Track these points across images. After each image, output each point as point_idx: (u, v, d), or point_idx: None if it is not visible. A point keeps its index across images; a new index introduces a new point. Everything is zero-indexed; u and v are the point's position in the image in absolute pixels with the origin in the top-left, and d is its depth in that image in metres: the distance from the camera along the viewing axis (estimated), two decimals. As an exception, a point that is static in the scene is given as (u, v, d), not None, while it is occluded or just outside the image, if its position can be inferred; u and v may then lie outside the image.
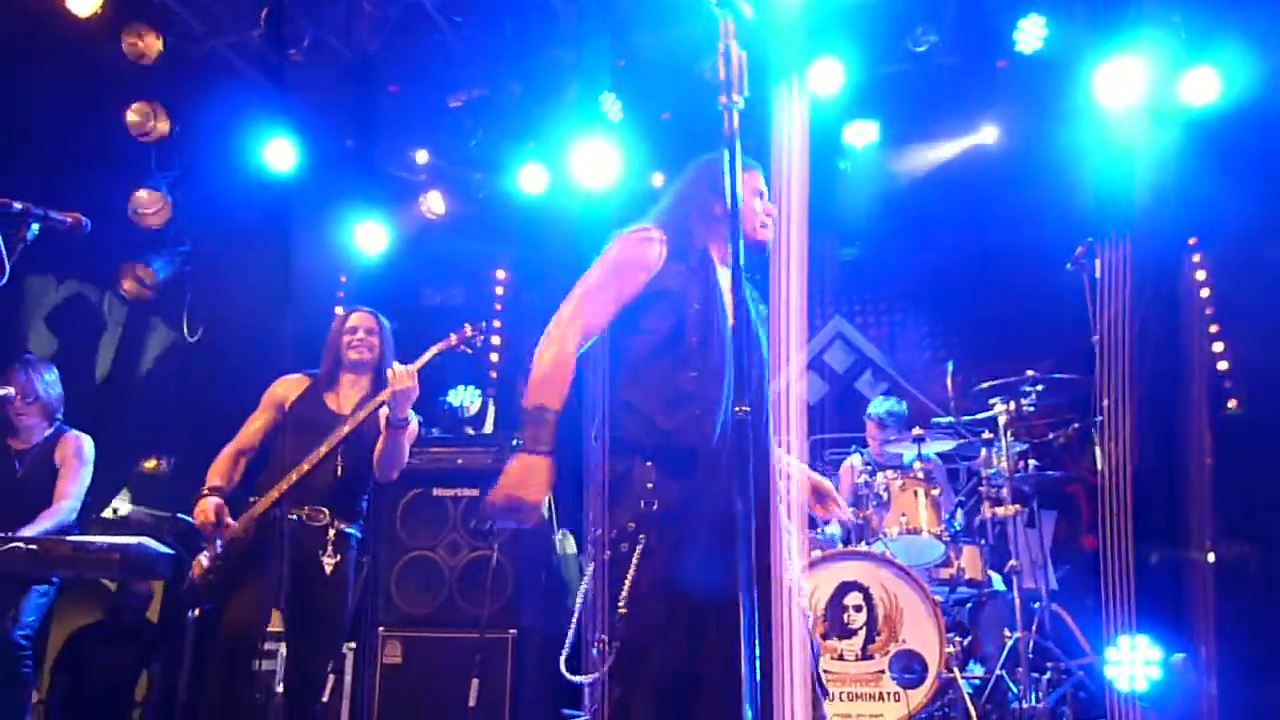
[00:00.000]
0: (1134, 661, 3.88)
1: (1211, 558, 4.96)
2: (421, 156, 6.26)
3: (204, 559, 3.63)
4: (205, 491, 3.63)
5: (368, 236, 6.25)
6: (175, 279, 5.91)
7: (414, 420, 3.74)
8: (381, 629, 5.01)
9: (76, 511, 4.24)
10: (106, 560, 3.80)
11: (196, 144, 5.86)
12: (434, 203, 6.30)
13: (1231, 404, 5.46)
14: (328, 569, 3.59)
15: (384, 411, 3.66)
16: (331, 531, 3.64)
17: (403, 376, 3.58)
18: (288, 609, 3.64)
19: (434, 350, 3.80)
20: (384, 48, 5.58)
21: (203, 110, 5.72)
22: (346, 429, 3.62)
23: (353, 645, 4.98)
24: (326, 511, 3.66)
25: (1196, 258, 5.71)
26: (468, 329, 3.89)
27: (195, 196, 5.99)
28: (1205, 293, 5.66)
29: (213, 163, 5.92)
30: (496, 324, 6.78)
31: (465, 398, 6.08)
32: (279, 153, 5.75)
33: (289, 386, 3.88)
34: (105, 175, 5.55)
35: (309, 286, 6.35)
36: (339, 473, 3.69)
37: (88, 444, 4.38)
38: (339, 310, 4.09)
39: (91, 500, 4.52)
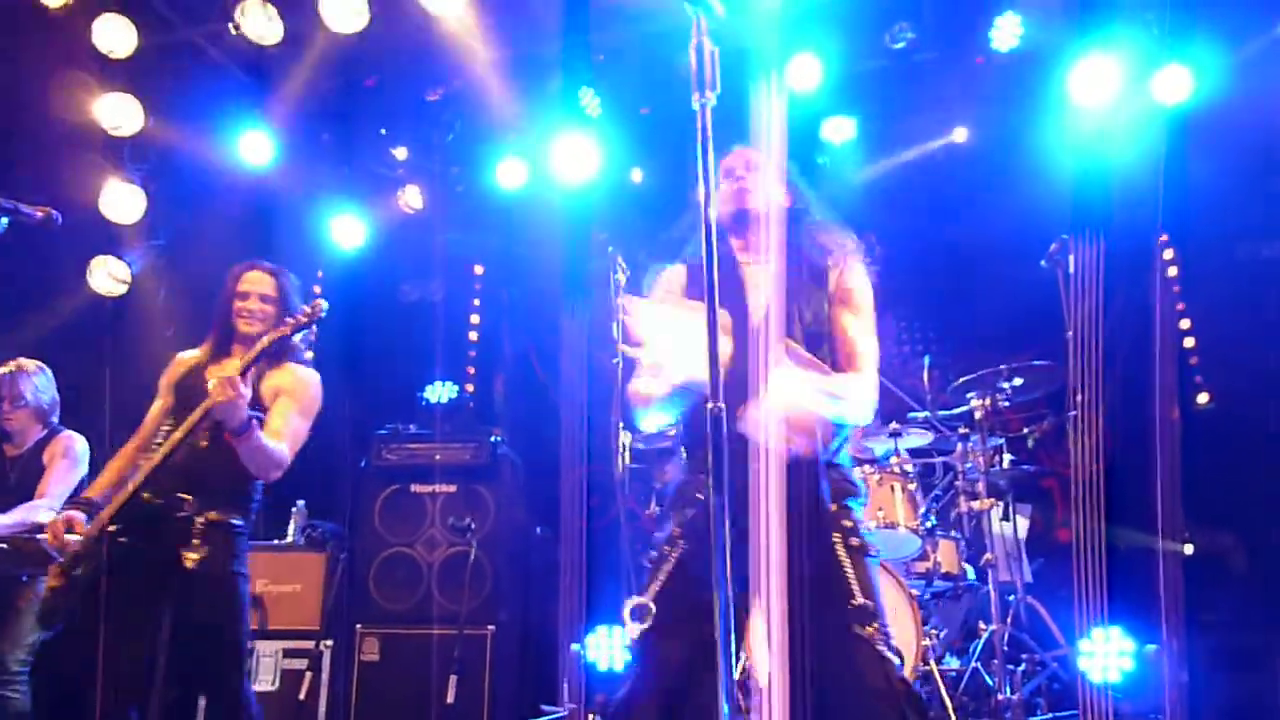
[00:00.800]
0: (1107, 653, 3.92)
1: (1190, 549, 5.01)
2: (399, 151, 6.22)
3: (56, 571, 3.14)
4: (73, 504, 3.23)
5: (345, 231, 6.21)
6: (149, 274, 5.85)
7: (265, 436, 3.17)
8: (359, 626, 4.99)
9: (55, 511, 4.15)
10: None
11: (171, 136, 5.80)
12: (412, 197, 6.27)
13: (1203, 398, 5.52)
14: (189, 563, 3.05)
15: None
16: (198, 521, 3.10)
17: (220, 388, 2.99)
18: (149, 627, 3.10)
19: (260, 345, 3.18)
20: (362, 39, 5.54)
21: (177, 102, 5.66)
22: (179, 434, 3.10)
23: (329, 643, 4.96)
24: (190, 498, 3.12)
25: (1169, 254, 5.77)
26: (305, 309, 3.26)
27: (169, 190, 5.93)
28: (1177, 288, 5.72)
29: (187, 155, 5.86)
30: (475, 319, 6.76)
31: (442, 393, 6.06)
32: (255, 146, 5.70)
33: (180, 363, 3.41)
34: (78, 168, 5.49)
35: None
36: (205, 452, 3.15)
37: (79, 444, 4.31)
38: (235, 269, 3.45)
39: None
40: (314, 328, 3.30)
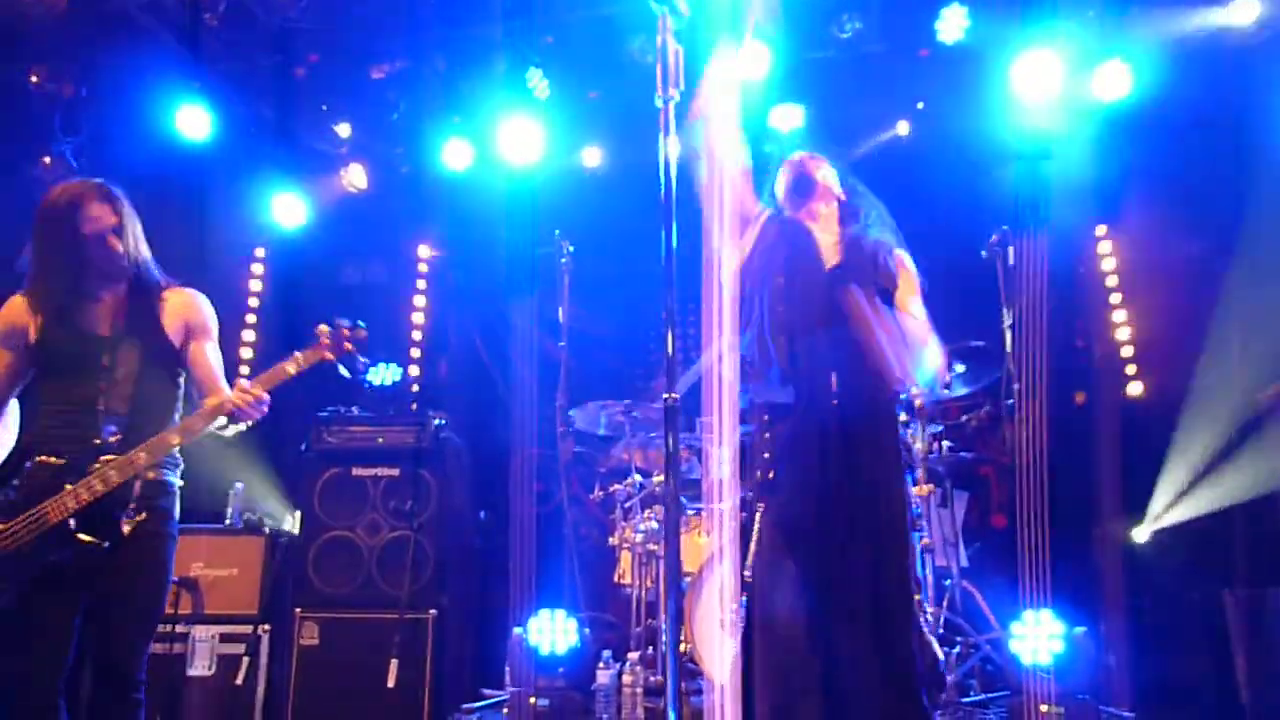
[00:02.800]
0: (1038, 635, 4.03)
1: (1142, 535, 5.16)
2: (343, 129, 6.11)
3: None
4: None
5: (285, 209, 6.09)
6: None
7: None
8: (298, 610, 4.93)
9: None
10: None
11: (104, 108, 5.63)
12: (355, 176, 6.17)
13: (1136, 388, 5.67)
14: (126, 530, 2.82)
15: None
16: (137, 484, 2.86)
17: (246, 404, 2.85)
18: (80, 599, 2.86)
19: (296, 368, 2.99)
20: (304, 14, 5.43)
21: (111, 73, 5.49)
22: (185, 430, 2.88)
23: (268, 627, 4.89)
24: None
25: (1105, 246, 5.91)
26: (327, 332, 3.06)
27: (102, 164, 5.75)
28: (1113, 280, 5.86)
29: (121, 128, 5.69)
30: (420, 301, 6.68)
31: (385, 375, 5.99)
32: (192, 120, 5.55)
33: (14, 311, 2.98)
34: (7, 142, 5.31)
35: (224, 260, 6.18)
36: (137, 405, 2.90)
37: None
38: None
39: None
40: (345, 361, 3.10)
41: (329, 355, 3.05)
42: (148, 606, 2.95)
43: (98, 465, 2.83)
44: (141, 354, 2.97)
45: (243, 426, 3.00)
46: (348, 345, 3.08)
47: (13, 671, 2.80)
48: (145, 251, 3.11)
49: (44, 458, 2.85)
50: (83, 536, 2.81)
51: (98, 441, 2.86)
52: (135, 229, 3.09)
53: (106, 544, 2.82)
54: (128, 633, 2.90)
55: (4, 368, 2.98)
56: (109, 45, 5.35)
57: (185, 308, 3.10)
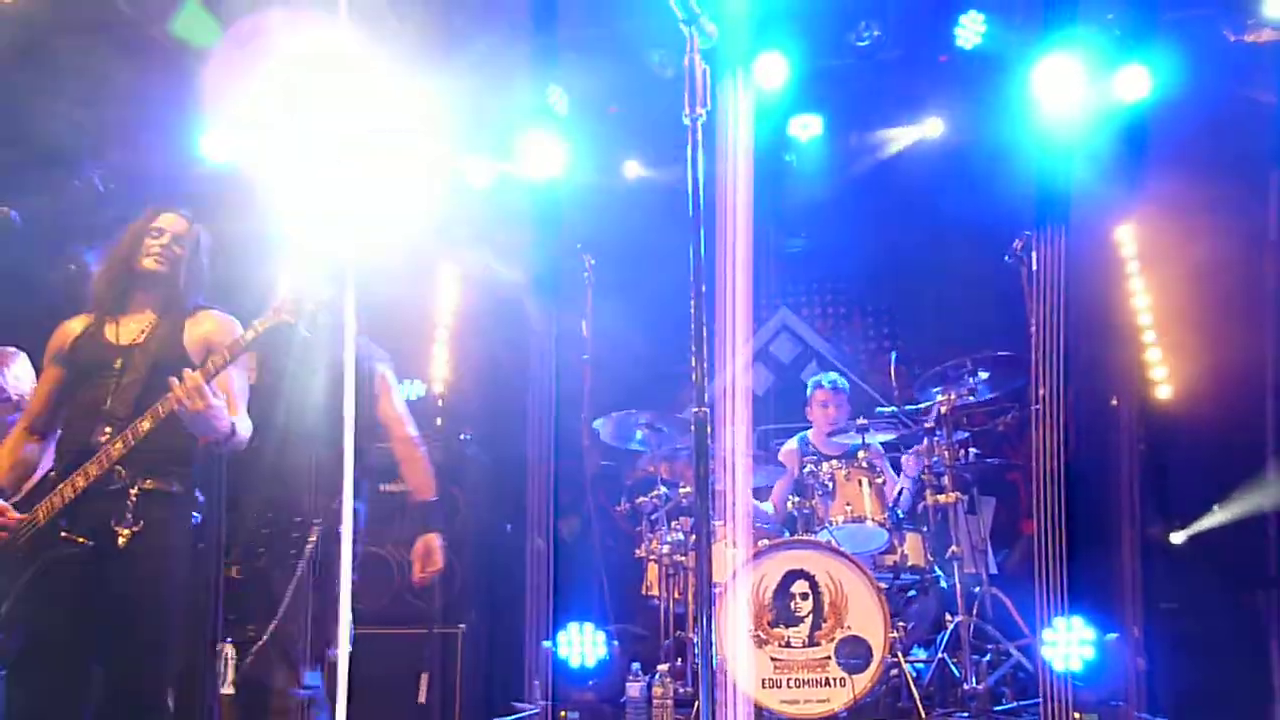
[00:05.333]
0: (1069, 642, 4.00)
1: (1179, 539, 5.12)
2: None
3: None
4: None
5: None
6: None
7: (242, 427, 2.96)
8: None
9: None
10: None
11: (131, 133, 5.71)
12: (378, 194, 6.22)
13: (1161, 391, 5.63)
14: (121, 541, 2.76)
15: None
16: (132, 492, 2.80)
17: (188, 396, 2.73)
18: (82, 618, 2.78)
19: (235, 348, 2.91)
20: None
21: (139, 98, 5.57)
22: (137, 432, 2.80)
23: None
24: (122, 469, 2.81)
25: (1128, 249, 5.88)
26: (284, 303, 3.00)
27: (130, 188, 5.84)
28: (1136, 282, 5.83)
29: (149, 153, 5.77)
30: (444, 317, 6.72)
31: (409, 391, 6.03)
32: (219, 143, 5.63)
33: (66, 328, 3.04)
34: (37, 166, 5.39)
35: (250, 283, 6.23)
36: (137, 411, 2.86)
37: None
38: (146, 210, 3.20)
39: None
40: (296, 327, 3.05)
41: (288, 318, 2.98)
42: (154, 623, 2.84)
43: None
44: (154, 363, 2.96)
45: (213, 440, 2.88)
46: (310, 305, 3.04)
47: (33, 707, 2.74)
48: (199, 275, 3.19)
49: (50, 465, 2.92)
50: (68, 535, 2.76)
51: (94, 441, 2.84)
52: (197, 252, 3.19)
53: (92, 543, 2.76)
54: (133, 653, 2.81)
55: (53, 383, 3.02)
56: (137, 71, 5.44)
57: (213, 328, 3.13)
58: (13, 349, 4.35)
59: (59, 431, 3.00)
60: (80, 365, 2.98)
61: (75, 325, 3.06)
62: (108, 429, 2.85)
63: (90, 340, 2.99)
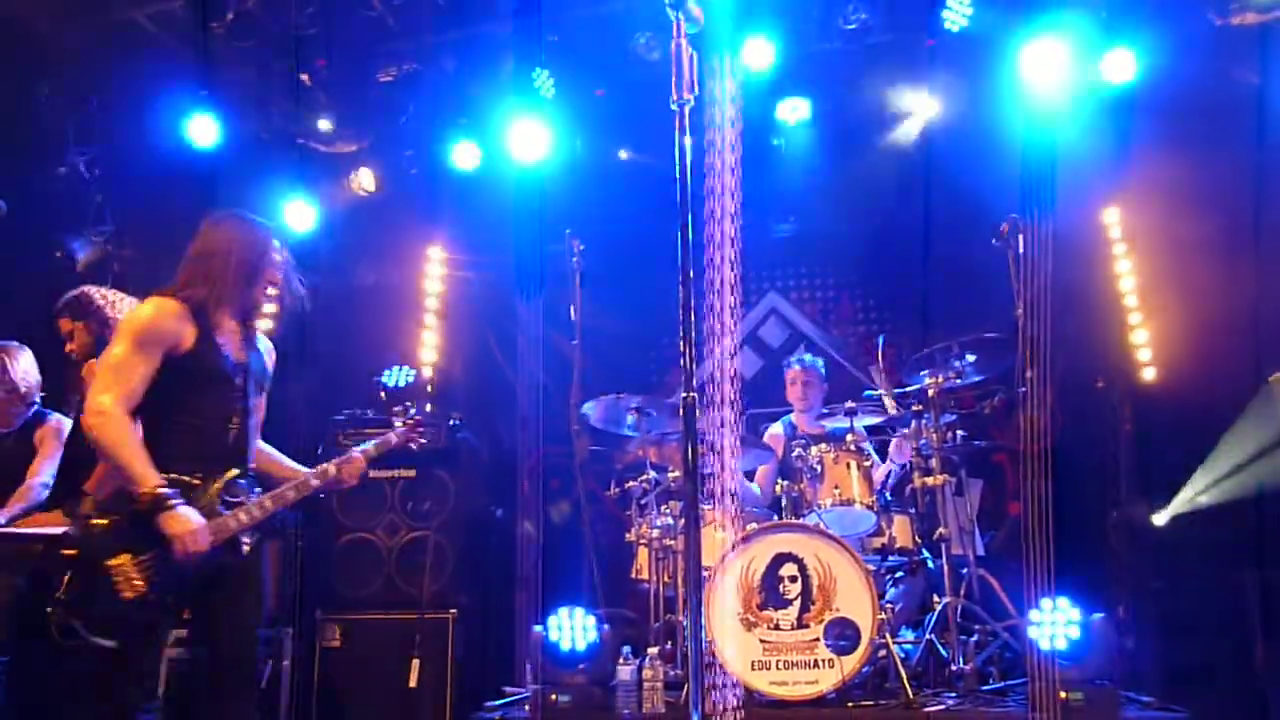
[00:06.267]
0: (1055, 622, 4.03)
1: (1161, 519, 5.15)
2: (352, 133, 6.14)
3: (138, 578, 2.84)
4: (165, 497, 2.83)
5: (296, 214, 6.13)
6: (100, 262, 5.74)
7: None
8: (320, 612, 4.97)
9: (48, 490, 4.08)
10: (29, 552, 3.60)
11: (115, 118, 5.67)
12: (364, 180, 6.20)
13: (1148, 373, 5.66)
14: (245, 549, 3.03)
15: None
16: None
17: (356, 473, 3.29)
18: (200, 607, 3.01)
19: (381, 448, 3.47)
20: (311, 20, 5.46)
21: (122, 83, 5.54)
22: (294, 495, 3.17)
23: (290, 630, 4.94)
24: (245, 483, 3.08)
25: (1114, 231, 5.90)
26: (401, 424, 3.62)
27: (115, 173, 5.81)
28: (1123, 265, 5.85)
29: (133, 138, 5.74)
30: (432, 302, 6.71)
31: (399, 377, 6.02)
32: (202, 128, 5.60)
33: (174, 320, 2.99)
34: (21, 154, 5.36)
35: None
36: (247, 432, 3.09)
37: (68, 427, 4.26)
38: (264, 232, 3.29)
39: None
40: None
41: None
42: (258, 612, 3.19)
43: (246, 490, 3.07)
44: (257, 383, 3.16)
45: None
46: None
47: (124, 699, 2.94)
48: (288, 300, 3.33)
49: (178, 475, 2.91)
50: (245, 546, 3.03)
51: (231, 462, 3.04)
52: (293, 278, 3.32)
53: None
54: (253, 629, 3.11)
55: (151, 371, 2.95)
56: (119, 55, 5.40)
57: (271, 353, 3.32)
58: (16, 343, 4.35)
59: (169, 435, 2.98)
60: (202, 372, 3.01)
61: (179, 317, 2.99)
62: (242, 449, 3.09)
63: (211, 348, 3.02)
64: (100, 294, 3.99)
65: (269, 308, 3.34)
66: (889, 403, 4.91)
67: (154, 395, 2.94)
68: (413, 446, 3.66)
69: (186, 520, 2.83)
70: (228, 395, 3.05)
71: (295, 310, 3.28)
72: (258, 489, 3.13)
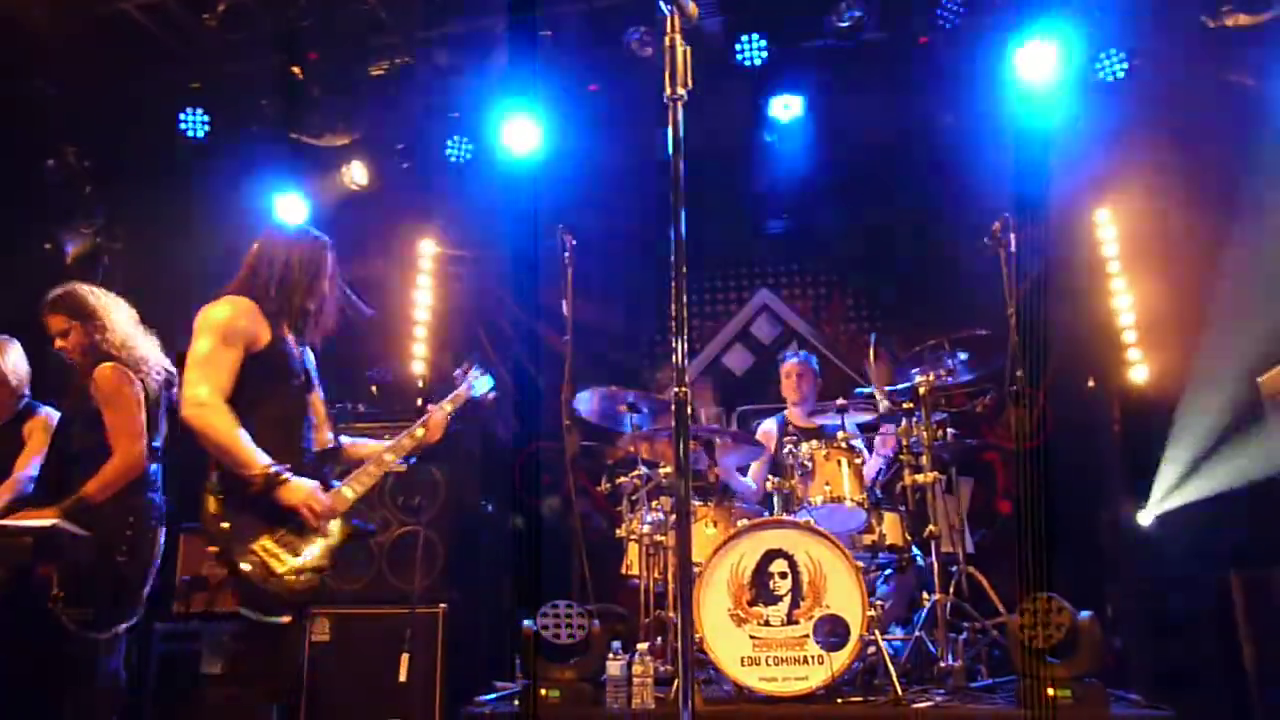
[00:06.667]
0: (1044, 620, 4.04)
1: (1146, 519, 5.18)
2: (344, 126, 6.12)
3: (283, 551, 3.03)
4: (277, 473, 2.99)
5: (287, 207, 6.11)
6: (89, 254, 5.71)
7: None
8: (310, 606, 4.95)
9: (33, 484, 4.07)
10: (17, 546, 3.61)
11: (107, 111, 5.64)
12: (356, 173, 6.18)
13: (1139, 371, 5.69)
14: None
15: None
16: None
17: (440, 426, 3.52)
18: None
19: (455, 402, 3.71)
20: (303, 13, 5.44)
21: (114, 76, 5.51)
22: (392, 458, 3.41)
23: (280, 623, 4.92)
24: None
25: (1105, 230, 5.92)
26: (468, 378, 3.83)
27: (106, 165, 5.78)
28: (1114, 264, 5.87)
29: (125, 130, 5.71)
30: (423, 296, 6.70)
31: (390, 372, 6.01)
32: (194, 121, 5.58)
33: (250, 318, 3.14)
34: (11, 146, 5.33)
35: (227, 260, 6.19)
36: (318, 429, 3.36)
37: (57, 420, 4.22)
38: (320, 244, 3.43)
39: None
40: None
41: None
42: None
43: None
44: (313, 381, 3.34)
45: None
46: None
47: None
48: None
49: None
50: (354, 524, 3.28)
51: (310, 450, 3.22)
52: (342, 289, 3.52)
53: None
54: None
55: (236, 365, 3.08)
56: (111, 48, 5.37)
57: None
58: (5, 336, 4.33)
59: (261, 423, 3.07)
60: (278, 368, 3.16)
61: (254, 317, 3.12)
62: (313, 437, 3.27)
63: (282, 346, 3.18)
64: (93, 294, 4.03)
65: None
66: (881, 400, 4.92)
67: (238, 391, 3.06)
68: (483, 400, 3.88)
69: (301, 487, 3.00)
70: (297, 391, 3.21)
71: (343, 319, 3.45)
72: (335, 482, 3.27)
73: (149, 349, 4.07)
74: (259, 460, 2.95)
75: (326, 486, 3.21)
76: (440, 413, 3.59)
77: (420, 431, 3.52)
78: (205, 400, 2.96)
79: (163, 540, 3.98)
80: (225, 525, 2.97)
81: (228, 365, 3.03)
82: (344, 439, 3.52)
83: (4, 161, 5.19)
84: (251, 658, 3.13)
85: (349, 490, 3.25)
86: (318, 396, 3.37)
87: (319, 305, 3.35)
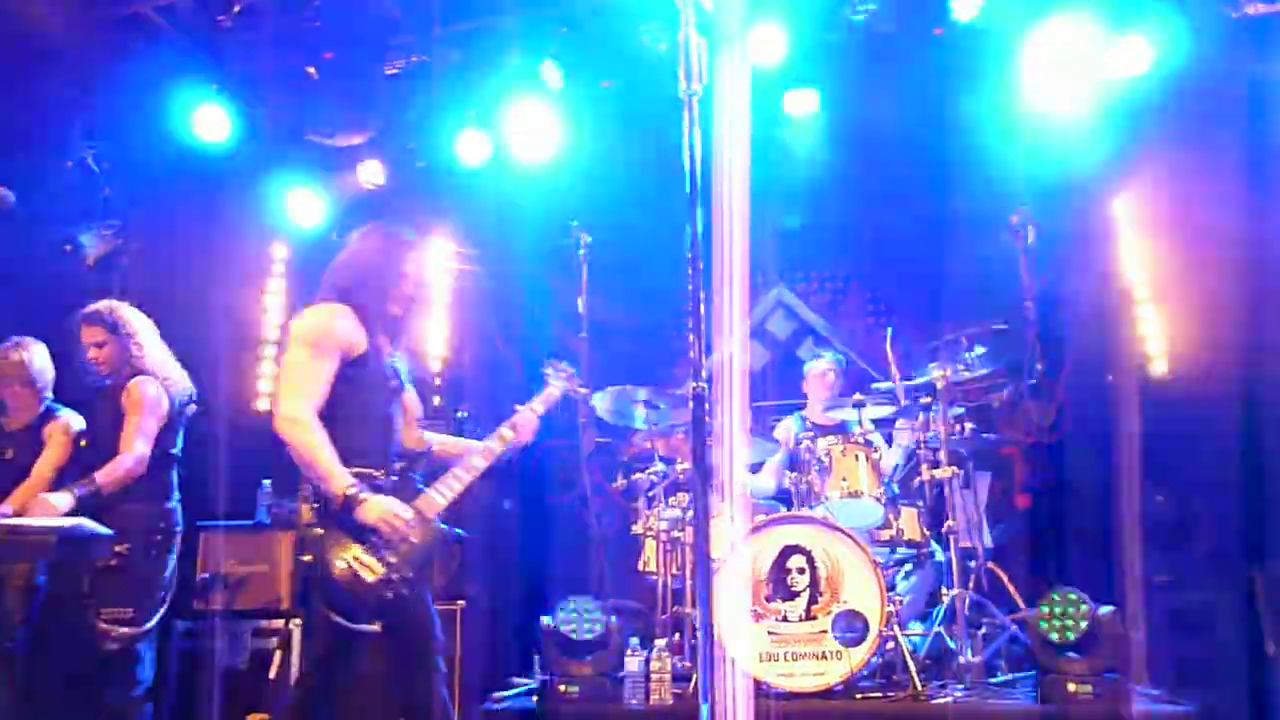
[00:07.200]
0: (1064, 615, 4.02)
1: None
2: (359, 125, 6.13)
3: (374, 561, 3.03)
4: (355, 493, 3.00)
5: (303, 207, 6.13)
6: (108, 255, 5.74)
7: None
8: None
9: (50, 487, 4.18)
10: (41, 543, 3.66)
11: (123, 113, 5.67)
12: (371, 172, 6.20)
13: (1156, 367, 5.64)
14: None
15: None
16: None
17: (529, 427, 3.48)
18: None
19: (546, 402, 3.66)
20: (317, 13, 5.45)
21: (129, 78, 5.53)
22: (481, 461, 3.36)
23: (299, 621, 4.95)
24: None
25: (1124, 222, 5.87)
26: (558, 378, 3.78)
27: (123, 167, 5.81)
28: (1133, 257, 5.82)
29: (141, 132, 5.74)
30: (439, 295, 6.70)
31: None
32: (209, 121, 5.61)
33: (345, 326, 3.15)
34: (29, 147, 5.36)
35: (244, 259, 6.24)
36: (411, 429, 3.46)
37: (77, 424, 4.34)
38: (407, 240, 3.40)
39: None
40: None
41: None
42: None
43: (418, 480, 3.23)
44: (404, 382, 3.34)
45: None
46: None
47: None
48: None
49: (362, 468, 3.08)
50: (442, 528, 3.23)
51: (400, 451, 3.25)
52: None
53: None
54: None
55: (331, 374, 3.09)
56: (125, 49, 5.39)
57: None
58: (31, 339, 4.40)
59: (339, 436, 3.08)
60: (373, 376, 3.18)
61: (353, 324, 3.14)
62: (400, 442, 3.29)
63: (376, 351, 3.19)
64: (131, 312, 4.23)
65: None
66: (899, 394, 4.90)
67: (332, 397, 3.08)
68: (574, 396, 3.84)
69: (378, 505, 3.00)
70: (390, 394, 3.23)
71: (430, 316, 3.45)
72: (421, 486, 3.27)
73: (174, 368, 4.24)
74: (339, 480, 2.98)
75: (413, 489, 3.20)
76: (530, 413, 3.54)
77: (509, 433, 3.48)
78: (294, 415, 2.99)
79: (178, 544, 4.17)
80: (319, 532, 3.00)
81: (320, 376, 3.05)
82: (431, 437, 3.53)
83: (23, 164, 5.22)
84: (339, 667, 3.13)
85: (438, 495, 3.23)
86: (408, 396, 3.38)
87: (405, 307, 3.31)
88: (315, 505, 3.04)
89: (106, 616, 3.82)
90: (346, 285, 3.22)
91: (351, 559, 2.99)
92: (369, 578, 2.99)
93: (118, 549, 3.86)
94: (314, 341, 3.07)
